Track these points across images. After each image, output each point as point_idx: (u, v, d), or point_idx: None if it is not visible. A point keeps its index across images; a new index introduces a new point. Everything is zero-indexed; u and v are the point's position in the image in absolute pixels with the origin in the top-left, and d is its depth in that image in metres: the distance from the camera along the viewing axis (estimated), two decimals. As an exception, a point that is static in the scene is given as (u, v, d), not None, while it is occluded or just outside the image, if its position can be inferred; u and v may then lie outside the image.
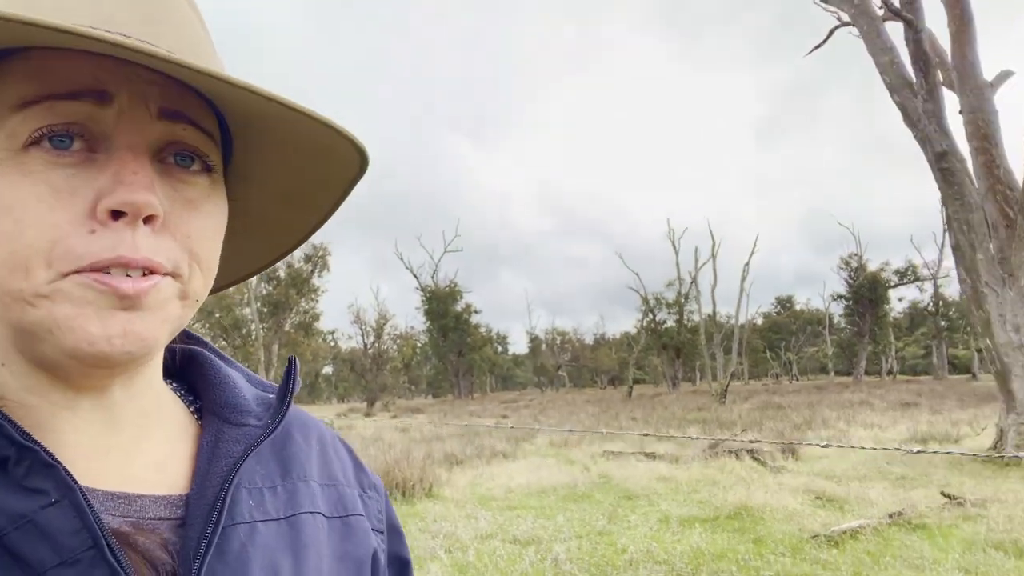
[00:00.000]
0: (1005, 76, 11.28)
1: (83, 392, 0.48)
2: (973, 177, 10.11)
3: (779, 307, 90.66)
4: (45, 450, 0.43)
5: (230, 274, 0.63)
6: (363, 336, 51.20)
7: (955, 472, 9.01)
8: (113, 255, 0.43)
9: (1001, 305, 9.72)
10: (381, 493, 0.68)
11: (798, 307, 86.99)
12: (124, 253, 0.44)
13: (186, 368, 0.61)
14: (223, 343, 44.84)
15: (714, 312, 39.83)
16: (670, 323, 46.85)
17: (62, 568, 0.41)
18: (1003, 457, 9.53)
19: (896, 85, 10.66)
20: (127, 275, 0.44)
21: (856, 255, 53.31)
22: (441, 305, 53.67)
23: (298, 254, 43.45)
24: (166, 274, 0.46)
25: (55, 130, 0.43)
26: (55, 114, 0.43)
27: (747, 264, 36.74)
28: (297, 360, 0.60)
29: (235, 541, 0.49)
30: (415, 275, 55.55)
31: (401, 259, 55.97)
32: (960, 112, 10.81)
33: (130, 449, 0.51)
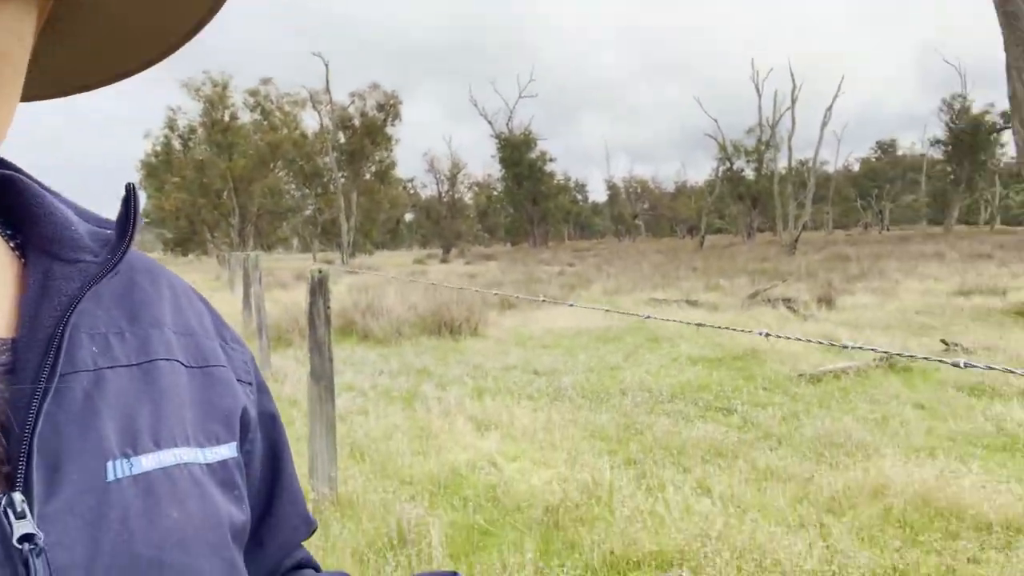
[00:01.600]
0: None
1: None
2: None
3: (879, 152, 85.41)
4: None
5: (75, 79, 0.53)
6: (437, 184, 52.25)
7: (980, 323, 9.27)
8: None
9: (1054, 157, 9.41)
10: (244, 347, 0.64)
11: (900, 152, 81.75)
12: None
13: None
14: (306, 190, 46.96)
15: (790, 161, 38.32)
16: (748, 172, 45.51)
17: None
18: (1034, 310, 9.67)
19: (975, -86, 9.77)
20: None
21: (960, 96, 49.15)
22: (516, 153, 53.64)
23: (371, 102, 43.96)
24: None
25: None
26: None
27: (829, 108, 34.75)
28: (136, 187, 0.53)
29: (77, 389, 0.44)
30: (490, 122, 55.28)
31: (475, 105, 55.64)
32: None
33: None
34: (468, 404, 5.69)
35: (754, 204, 44.56)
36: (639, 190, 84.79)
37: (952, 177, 50.85)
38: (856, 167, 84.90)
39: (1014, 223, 72.08)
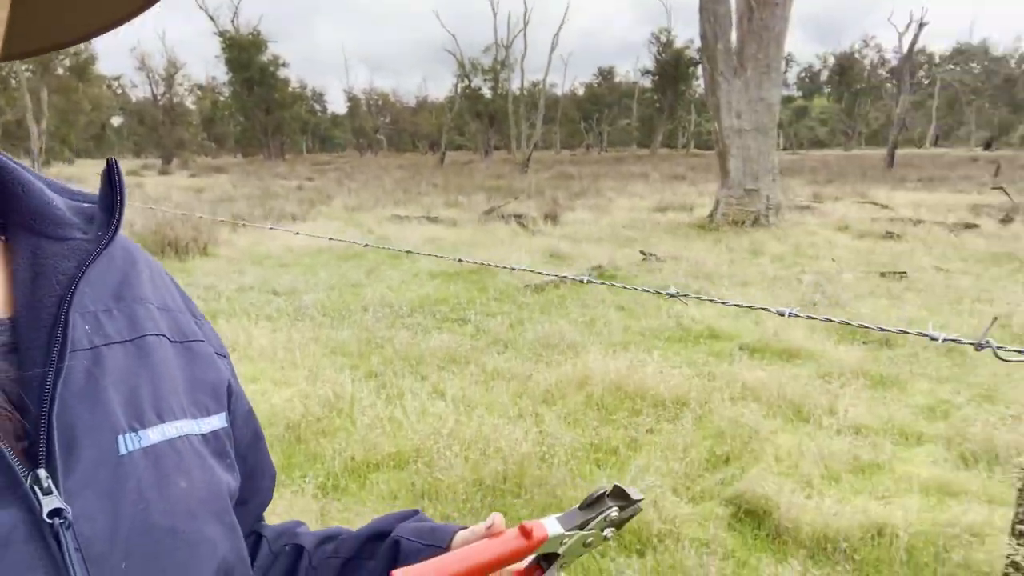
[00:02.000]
0: None
1: None
2: (727, -31, 10.90)
3: (600, 78, 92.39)
4: None
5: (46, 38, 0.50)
6: (151, 85, 46.26)
7: (671, 235, 10.84)
8: None
9: (729, 93, 11.11)
10: (208, 322, 0.64)
11: (618, 79, 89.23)
12: None
13: None
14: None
15: (522, 82, 40.35)
16: (486, 90, 46.83)
17: None
18: (711, 221, 11.54)
19: None
20: None
21: (666, 30, 54.95)
22: (244, 55, 49.09)
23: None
24: None
25: None
26: None
27: (556, 34, 36.97)
28: (118, 162, 0.53)
29: (78, 368, 0.45)
30: (211, 17, 49.68)
31: (194, -2, 49.37)
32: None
33: None
34: (200, 328, 5.42)
35: (491, 122, 46.21)
36: (380, 103, 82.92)
37: (658, 105, 57.20)
38: (581, 91, 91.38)
39: (705, 147, 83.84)
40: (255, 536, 0.70)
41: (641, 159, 45.44)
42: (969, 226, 10.68)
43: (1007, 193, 14.00)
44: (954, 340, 0.58)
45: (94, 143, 62.34)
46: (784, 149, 70.86)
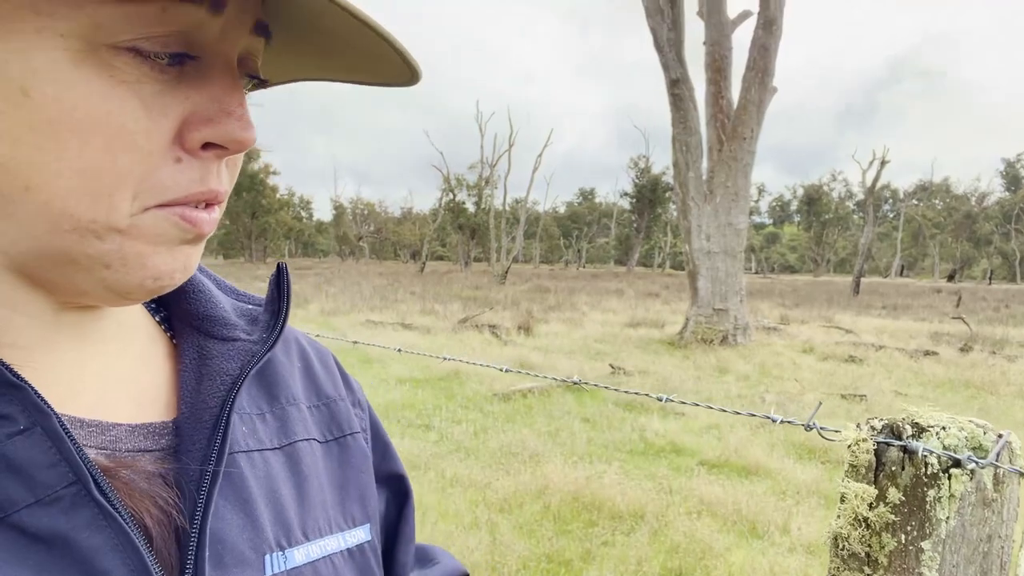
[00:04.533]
0: (745, 16, 12.84)
1: (70, 308, 0.41)
2: (696, 104, 11.70)
3: (581, 198, 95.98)
4: (8, 368, 0.36)
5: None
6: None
7: (641, 350, 11.00)
8: (204, 189, 0.39)
9: (699, 217, 11.63)
10: (365, 406, 0.63)
11: (598, 199, 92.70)
12: (214, 187, 0.40)
13: None
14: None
15: (504, 199, 41.77)
16: (469, 204, 48.29)
17: (37, 508, 0.35)
18: (681, 338, 11.75)
19: (651, 10, 11.79)
20: (199, 206, 0.40)
21: (644, 156, 57.83)
22: (235, 162, 50.54)
23: None
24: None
25: (155, 35, 0.36)
26: (166, 20, 0.35)
27: (539, 156, 38.70)
28: (287, 267, 0.53)
29: (234, 474, 0.44)
30: (207, 126, 51.46)
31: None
32: (704, 43, 12.26)
33: (104, 369, 0.43)
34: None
35: (472, 235, 47.39)
36: (366, 212, 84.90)
37: (635, 225, 59.22)
38: (562, 209, 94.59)
39: (680, 268, 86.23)
40: None
41: (618, 276, 46.45)
42: (929, 353, 10.97)
43: (966, 323, 14.48)
44: (789, 421, 0.68)
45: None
46: (755, 273, 72.94)
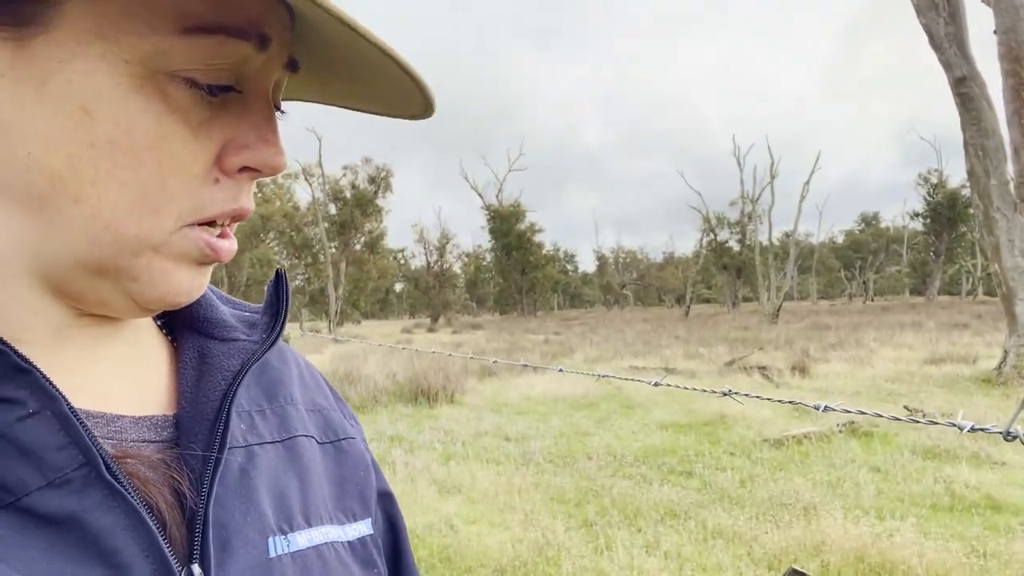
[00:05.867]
0: (1048, -10, 10.85)
1: (85, 316, 0.43)
2: (991, 102, 10.02)
3: (863, 224, 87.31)
4: (16, 351, 0.36)
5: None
6: (427, 254, 52.89)
7: (946, 390, 9.45)
8: (236, 206, 0.42)
9: (1010, 230, 9.82)
10: (358, 423, 0.65)
11: (884, 224, 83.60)
12: (245, 205, 0.43)
13: None
14: (296, 260, 47.44)
15: (770, 233, 39.31)
16: (732, 243, 46.39)
17: (48, 491, 0.35)
18: (999, 374, 9.90)
19: (922, 6, 10.48)
20: (222, 224, 0.43)
21: (937, 170, 50.80)
22: (504, 224, 54.55)
23: (363, 175, 44.97)
24: None
25: (211, 67, 0.38)
26: (222, 54, 0.38)
27: (806, 183, 35.88)
28: (285, 271, 0.56)
29: (233, 465, 0.45)
30: (479, 194, 56.40)
31: (466, 179, 56.85)
32: (995, 31, 10.57)
33: (109, 370, 0.44)
34: (434, 468, 5.78)
35: (738, 274, 45.30)
36: (627, 260, 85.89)
37: (933, 249, 51.98)
38: (840, 239, 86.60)
39: (994, 293, 73.19)
40: None
41: (914, 307, 40.95)
42: None
43: None
44: None
45: (379, 306, 71.96)
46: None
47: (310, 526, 0.49)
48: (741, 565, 3.55)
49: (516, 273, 56.00)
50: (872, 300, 69.37)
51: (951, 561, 3.40)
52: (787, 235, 49.42)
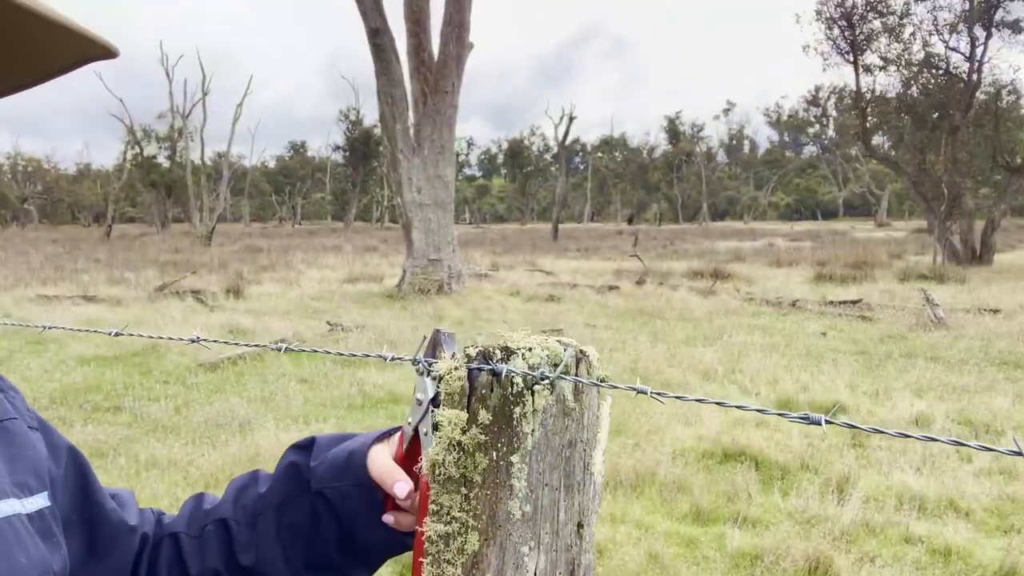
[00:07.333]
0: (441, -31, 13.03)
1: None
2: (399, 56, 11.70)
3: (292, 151, 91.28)
4: None
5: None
6: None
7: (360, 305, 10.96)
8: None
9: (410, 169, 11.78)
10: (19, 392, 0.63)
11: (311, 153, 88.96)
12: None
13: None
14: None
15: (203, 153, 38.21)
16: (162, 159, 43.31)
17: None
18: (399, 290, 11.94)
19: (348, -45, 11.41)
20: None
21: (355, 109, 56.65)
22: None
23: None
24: None
25: None
26: None
27: (240, 105, 35.89)
28: None
29: None
30: None
31: None
32: (402, -7, 12.20)
33: None
34: None
35: (168, 193, 42.60)
36: (30, 169, 72.02)
37: (351, 180, 58.19)
38: (272, 163, 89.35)
39: (398, 222, 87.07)
40: (169, 538, 0.70)
41: (335, 232, 45.48)
42: (612, 288, 12.53)
43: (641, 260, 16.76)
44: (399, 358, 0.72)
45: None
46: (469, 223, 76.51)
47: None
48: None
49: None
50: (300, 224, 74.27)
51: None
52: (220, 155, 48.52)
